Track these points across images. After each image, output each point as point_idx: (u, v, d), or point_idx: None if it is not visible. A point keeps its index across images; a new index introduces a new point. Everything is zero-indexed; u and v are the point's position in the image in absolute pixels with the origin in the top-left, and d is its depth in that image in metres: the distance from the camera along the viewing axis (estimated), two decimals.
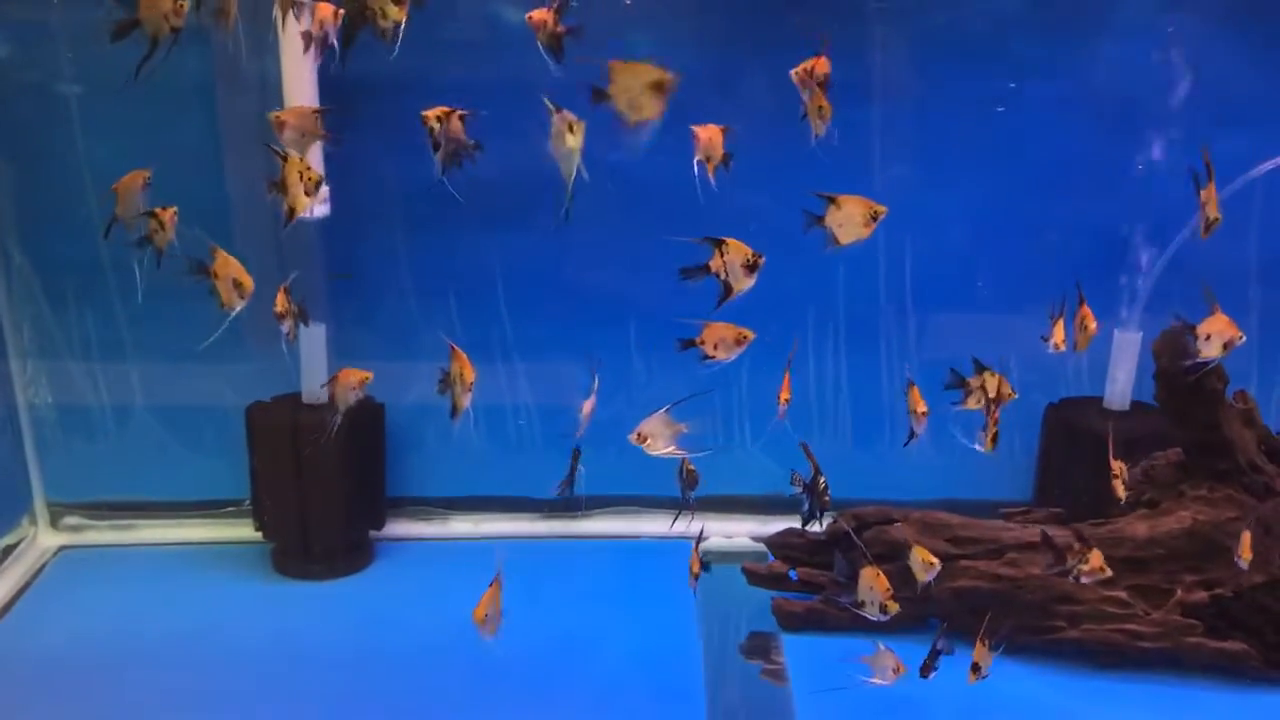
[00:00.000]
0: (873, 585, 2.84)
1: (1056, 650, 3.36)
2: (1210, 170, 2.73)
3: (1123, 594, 3.31)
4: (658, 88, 2.45)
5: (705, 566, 3.60)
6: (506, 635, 3.63)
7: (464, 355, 2.62)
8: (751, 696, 3.34)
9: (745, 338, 2.69)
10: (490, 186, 2.80)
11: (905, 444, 2.91)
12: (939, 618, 3.51)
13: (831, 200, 2.62)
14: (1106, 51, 3.75)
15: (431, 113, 2.57)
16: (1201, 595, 3.27)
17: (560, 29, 2.61)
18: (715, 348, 2.72)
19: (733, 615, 3.73)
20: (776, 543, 3.67)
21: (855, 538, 3.44)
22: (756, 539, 3.96)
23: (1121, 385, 3.83)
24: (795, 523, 3.77)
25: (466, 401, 2.62)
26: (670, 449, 2.68)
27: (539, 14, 2.59)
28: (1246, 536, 2.95)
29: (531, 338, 4.11)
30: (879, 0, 3.72)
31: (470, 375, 2.63)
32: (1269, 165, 3.50)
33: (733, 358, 2.75)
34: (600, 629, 3.61)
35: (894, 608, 2.80)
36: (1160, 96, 3.72)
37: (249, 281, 2.68)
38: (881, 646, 2.89)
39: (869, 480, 4.12)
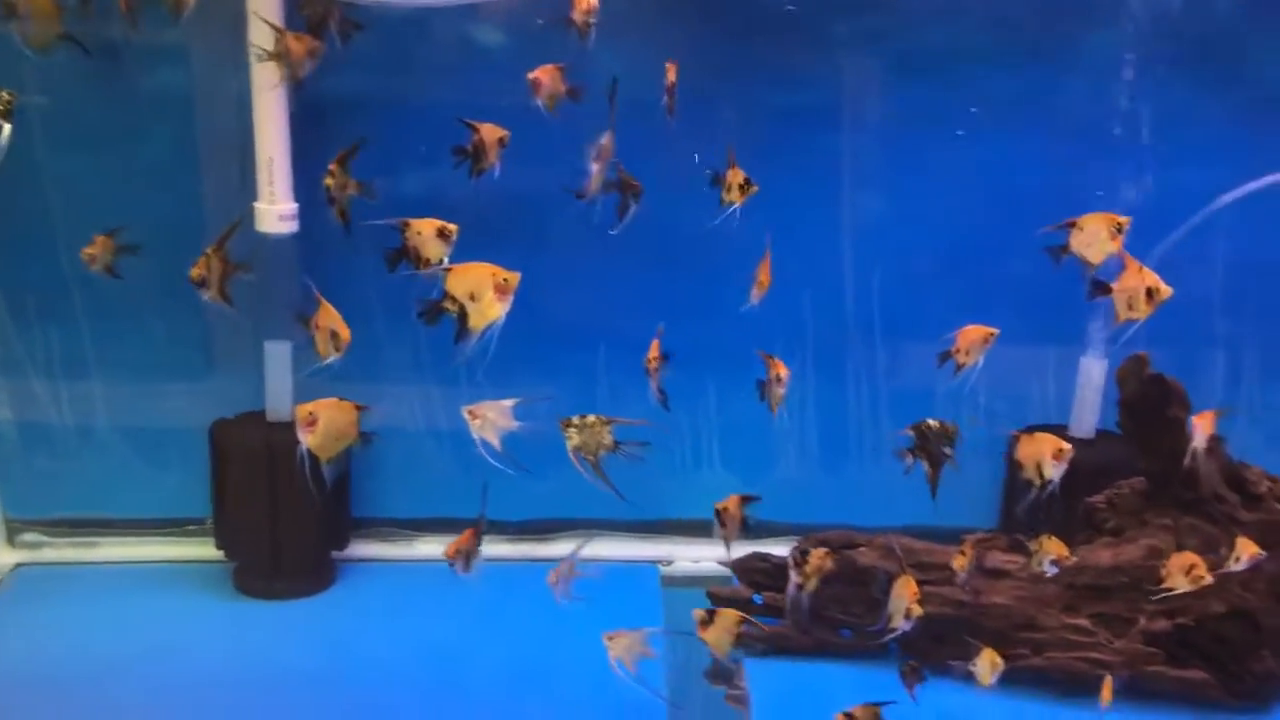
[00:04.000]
0: (902, 594, 2.91)
1: (1019, 678, 3.35)
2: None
3: (1085, 622, 3.32)
4: (501, 289, 2.48)
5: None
6: (468, 658, 3.64)
7: (332, 309, 2.62)
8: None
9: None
10: (458, 207, 2.80)
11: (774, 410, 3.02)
12: (900, 644, 3.52)
13: None
14: (1069, 82, 3.79)
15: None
16: (1164, 624, 3.28)
17: (564, 88, 2.66)
18: None
19: (697, 639, 3.72)
20: (741, 567, 3.66)
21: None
22: (723, 563, 3.95)
23: (1086, 413, 3.85)
24: (761, 547, 3.80)
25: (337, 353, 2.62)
26: (490, 437, 2.61)
27: (542, 73, 2.63)
28: (1177, 561, 2.98)
29: (498, 358, 4.08)
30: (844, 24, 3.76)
31: (344, 333, 2.62)
32: (1228, 198, 3.55)
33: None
34: (563, 651, 3.58)
35: (918, 611, 2.91)
36: (1120, 127, 3.77)
37: (347, 333, 2.66)
38: None
39: (835, 504, 4.13)
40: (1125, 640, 3.28)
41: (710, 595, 3.67)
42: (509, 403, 2.62)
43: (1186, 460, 2.88)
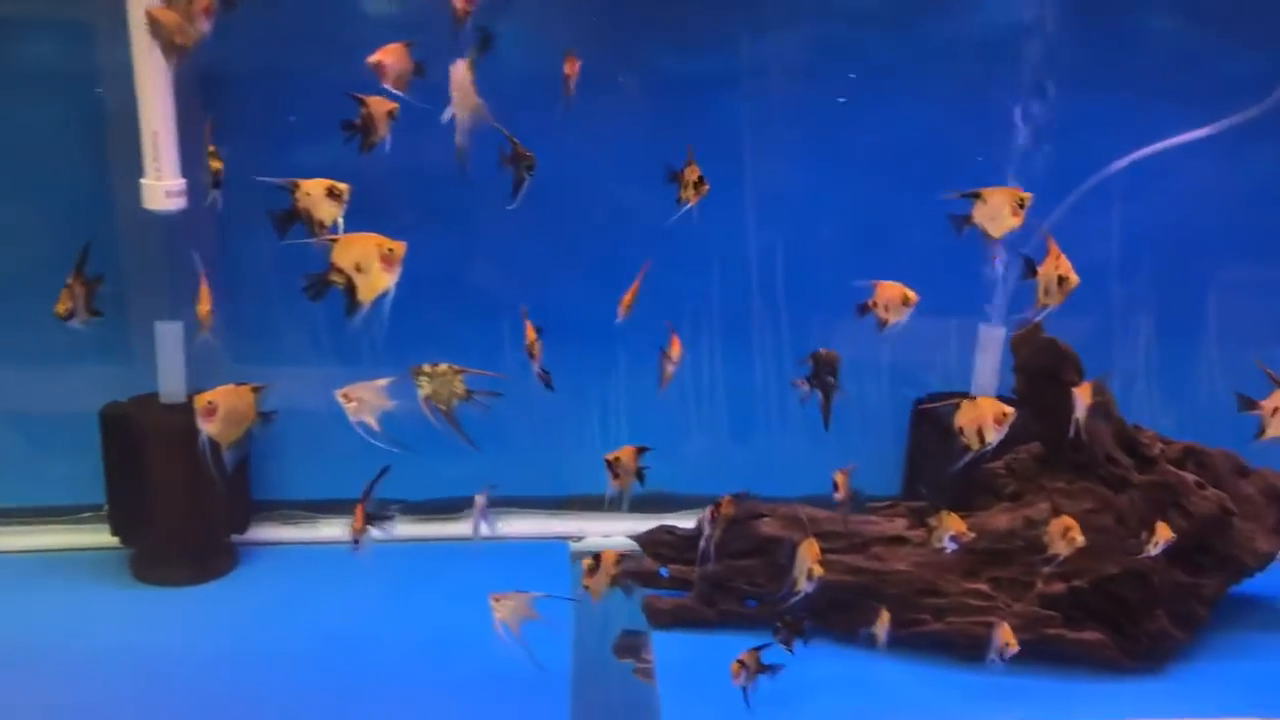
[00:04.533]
0: (805, 556, 2.96)
1: (920, 643, 3.39)
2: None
3: (984, 586, 3.36)
4: (387, 259, 2.44)
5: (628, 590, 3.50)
6: (371, 639, 3.59)
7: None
8: (618, 695, 3.34)
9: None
10: (357, 181, 2.75)
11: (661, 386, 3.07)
12: (805, 612, 3.53)
13: None
14: (963, 49, 3.82)
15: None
16: (1060, 587, 3.33)
17: (413, 66, 2.59)
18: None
19: (606, 614, 3.70)
20: (648, 540, 3.65)
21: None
22: (634, 537, 3.94)
23: (986, 379, 3.88)
24: (670, 520, 3.79)
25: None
26: (368, 418, 2.61)
27: (384, 55, 2.56)
28: (1055, 525, 3.04)
29: (401, 335, 4.02)
30: None
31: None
32: (1121, 164, 3.59)
33: None
34: (470, 631, 3.53)
35: (820, 572, 2.96)
36: (1015, 92, 3.80)
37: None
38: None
39: (743, 476, 4.12)
40: (1023, 604, 3.32)
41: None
42: (383, 382, 2.60)
43: (1071, 430, 2.91)
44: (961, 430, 2.86)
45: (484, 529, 2.98)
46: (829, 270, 4.01)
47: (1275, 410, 3.05)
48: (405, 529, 4.15)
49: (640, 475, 2.90)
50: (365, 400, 2.59)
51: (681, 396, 4.16)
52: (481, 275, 4.00)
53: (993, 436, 2.83)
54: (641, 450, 2.91)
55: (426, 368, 2.65)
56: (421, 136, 2.68)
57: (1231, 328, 4.11)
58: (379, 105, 2.67)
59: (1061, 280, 2.80)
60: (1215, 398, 4.15)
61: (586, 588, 3.03)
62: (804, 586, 3.01)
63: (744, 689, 2.96)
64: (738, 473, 4.16)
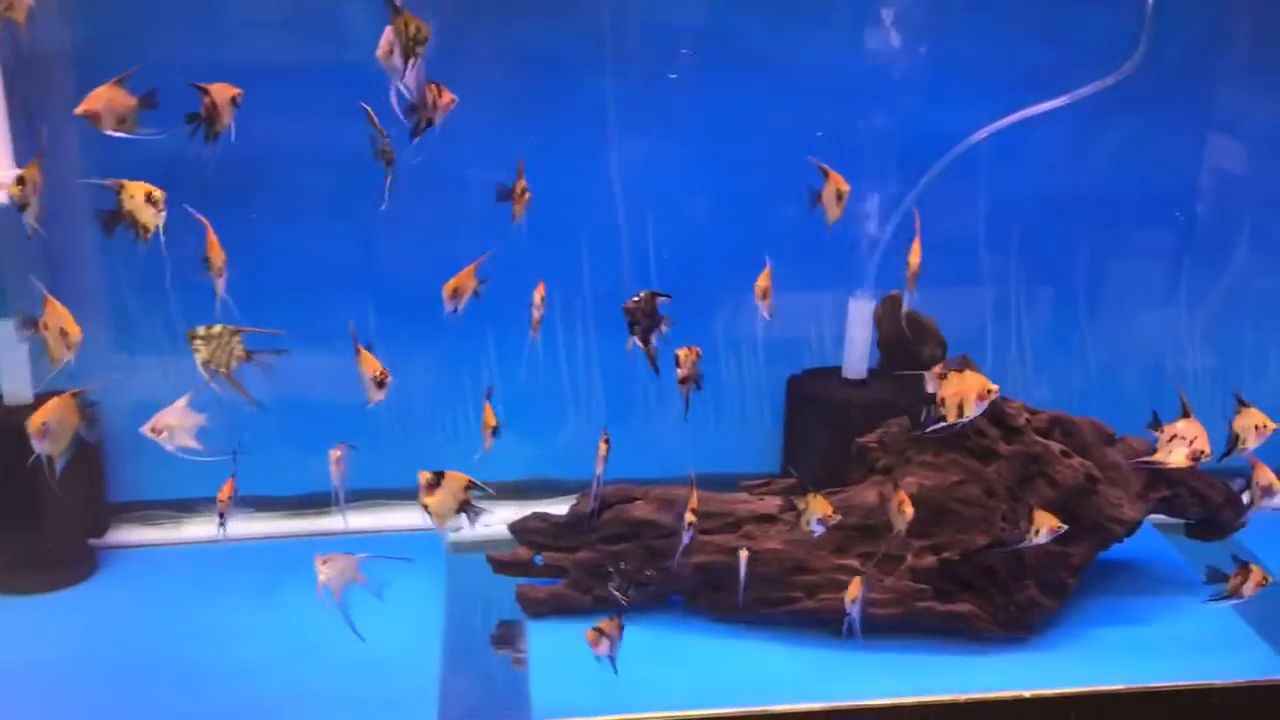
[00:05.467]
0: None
1: (794, 621, 3.37)
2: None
3: (855, 562, 3.34)
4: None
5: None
6: (237, 640, 3.48)
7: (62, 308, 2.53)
8: (489, 686, 3.26)
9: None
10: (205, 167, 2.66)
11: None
12: (682, 594, 3.50)
13: None
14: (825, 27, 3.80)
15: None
16: (930, 559, 3.33)
17: (132, 103, 2.51)
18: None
19: (481, 605, 3.64)
20: (520, 528, 3.58)
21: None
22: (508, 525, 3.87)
23: (858, 354, 3.87)
24: (548, 507, 3.73)
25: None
26: (190, 442, 2.57)
27: (94, 102, 2.47)
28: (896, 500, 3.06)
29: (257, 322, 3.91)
30: None
31: (74, 332, 2.54)
32: (983, 133, 3.59)
33: None
34: (340, 631, 3.45)
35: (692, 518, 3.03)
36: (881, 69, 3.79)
37: (76, 332, 2.56)
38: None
39: (621, 459, 4.07)
40: (894, 578, 3.32)
41: (489, 559, 3.59)
42: (183, 401, 2.65)
43: (924, 413, 2.96)
44: (943, 402, 2.89)
45: (342, 492, 2.92)
46: (701, 248, 3.98)
47: (1172, 438, 3.08)
48: (275, 524, 4.06)
49: (468, 510, 2.78)
50: (173, 425, 2.54)
51: (555, 380, 4.09)
52: (346, 262, 3.89)
53: (971, 411, 2.87)
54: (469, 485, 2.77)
55: (201, 330, 2.59)
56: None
57: (1099, 296, 4.15)
58: (221, 92, 2.61)
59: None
60: (1086, 365, 4.20)
61: (425, 506, 2.80)
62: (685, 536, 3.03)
63: (610, 658, 2.89)
64: (616, 455, 4.12)
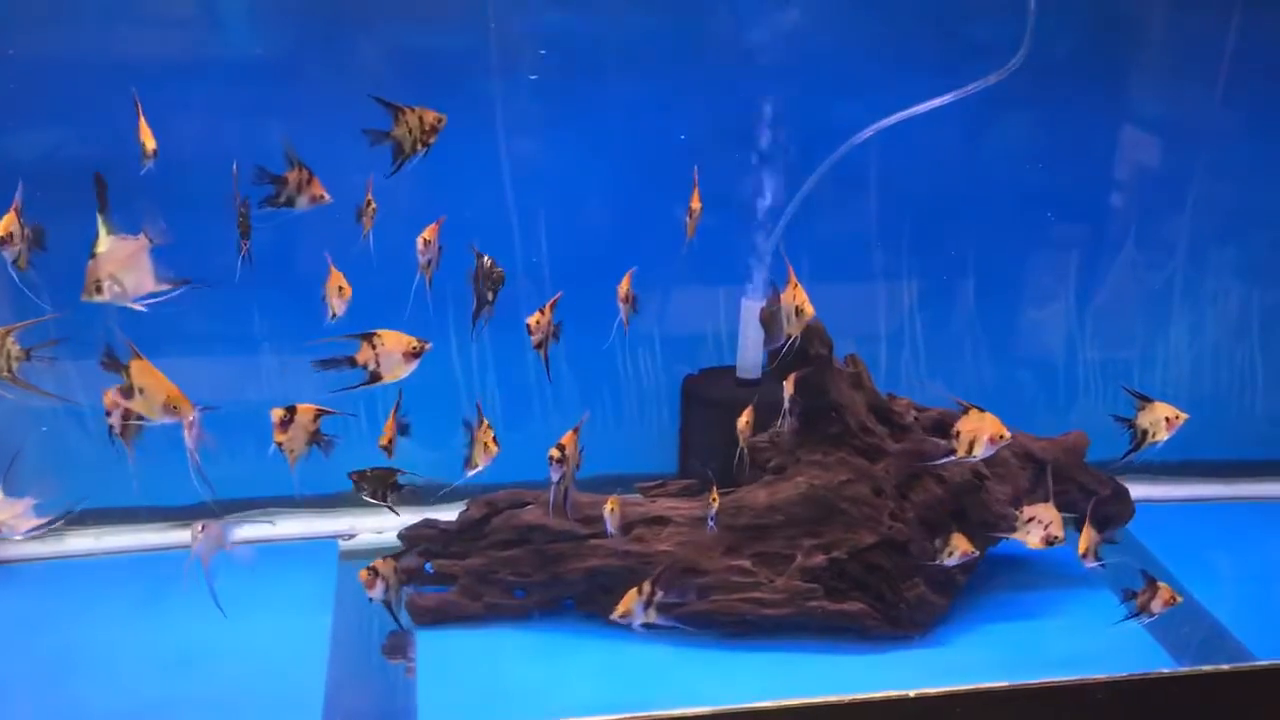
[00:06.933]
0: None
1: (686, 623, 3.35)
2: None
3: (746, 563, 3.34)
4: None
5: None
6: (121, 654, 3.39)
7: None
8: (374, 697, 3.21)
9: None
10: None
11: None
12: (573, 599, 3.47)
13: None
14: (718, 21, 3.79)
15: None
16: (820, 558, 3.33)
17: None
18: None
19: (371, 612, 3.56)
20: (410, 535, 3.53)
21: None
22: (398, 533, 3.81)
23: (751, 354, 3.86)
24: (434, 513, 3.67)
25: None
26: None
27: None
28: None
29: (146, 331, 3.81)
30: None
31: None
32: (871, 130, 3.61)
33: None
34: (225, 642, 3.37)
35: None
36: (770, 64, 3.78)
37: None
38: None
39: (519, 463, 4.02)
40: (785, 579, 3.31)
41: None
42: None
43: (780, 421, 3.02)
44: (958, 434, 2.97)
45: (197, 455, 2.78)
46: (594, 249, 3.95)
47: (1030, 520, 3.19)
48: (169, 535, 3.96)
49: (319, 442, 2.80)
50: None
51: (450, 386, 4.04)
52: (229, 265, 3.81)
53: (981, 451, 2.97)
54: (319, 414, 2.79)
55: None
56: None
57: (991, 291, 4.18)
58: None
59: (799, 311, 2.98)
60: (979, 361, 4.22)
61: (279, 444, 2.77)
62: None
63: (386, 603, 2.81)
64: (513, 459, 4.07)
